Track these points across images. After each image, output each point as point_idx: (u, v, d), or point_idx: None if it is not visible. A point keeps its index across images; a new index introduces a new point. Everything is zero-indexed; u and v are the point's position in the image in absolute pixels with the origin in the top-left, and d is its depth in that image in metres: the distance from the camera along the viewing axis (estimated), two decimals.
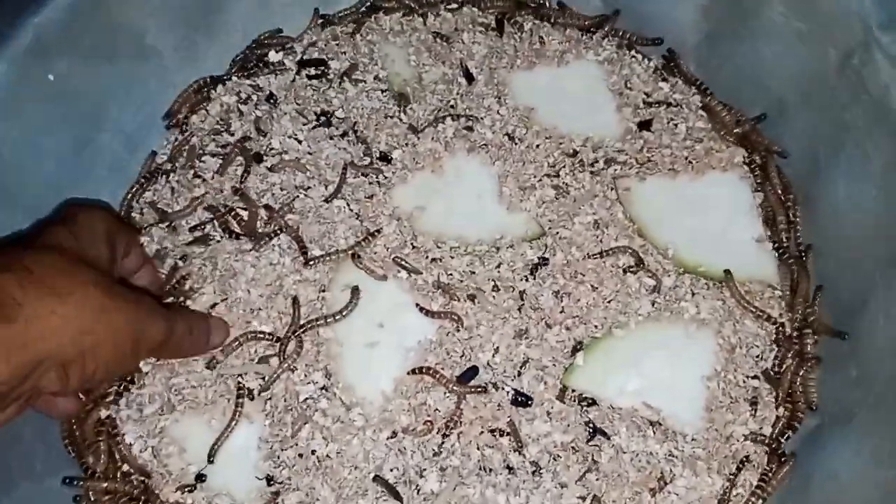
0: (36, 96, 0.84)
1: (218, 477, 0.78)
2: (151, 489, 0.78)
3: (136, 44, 0.92)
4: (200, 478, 0.77)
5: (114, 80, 0.91)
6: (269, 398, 0.80)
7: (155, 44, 0.93)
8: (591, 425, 0.78)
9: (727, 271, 0.83)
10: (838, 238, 0.83)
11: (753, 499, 0.76)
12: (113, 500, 0.78)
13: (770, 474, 0.77)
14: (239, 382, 0.79)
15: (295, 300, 0.82)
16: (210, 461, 0.77)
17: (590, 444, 0.77)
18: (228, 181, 0.89)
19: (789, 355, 0.82)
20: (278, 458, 0.77)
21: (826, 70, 0.83)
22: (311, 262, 0.83)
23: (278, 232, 0.85)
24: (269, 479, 0.77)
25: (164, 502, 0.77)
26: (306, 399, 0.79)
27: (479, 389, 0.78)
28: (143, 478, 0.78)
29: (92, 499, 0.78)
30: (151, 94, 0.95)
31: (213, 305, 0.83)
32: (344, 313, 0.81)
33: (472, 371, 0.79)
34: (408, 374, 0.79)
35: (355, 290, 0.82)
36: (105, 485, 0.77)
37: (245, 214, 0.87)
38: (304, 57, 0.96)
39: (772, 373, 0.81)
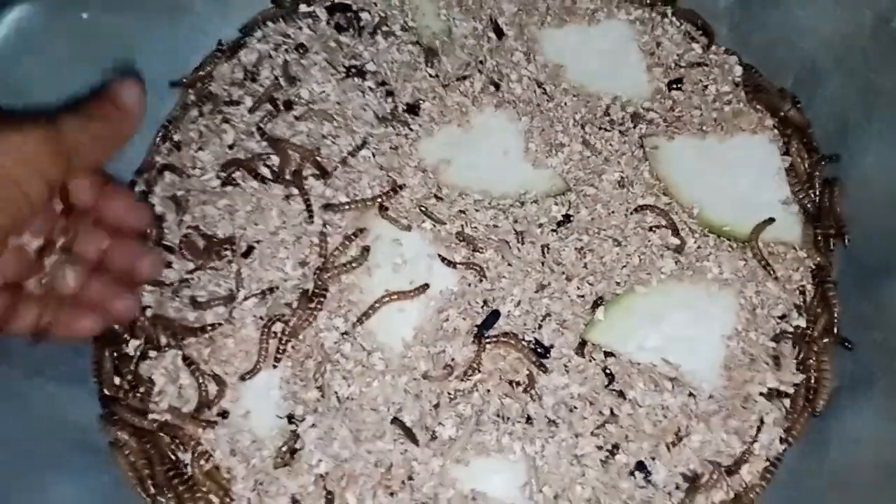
0: (67, 36, 0.84)
1: (239, 415, 0.79)
2: (174, 422, 0.79)
3: None
4: (223, 414, 0.78)
5: (144, 26, 0.91)
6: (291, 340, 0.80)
7: None
8: (607, 371, 0.78)
9: (771, 219, 0.84)
10: (867, 204, 0.83)
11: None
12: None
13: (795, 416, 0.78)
14: (266, 322, 0.80)
15: (322, 243, 0.83)
16: (243, 379, 0.79)
17: (608, 388, 0.77)
18: (256, 127, 0.90)
19: (813, 329, 0.82)
20: (299, 397, 0.78)
21: (861, 33, 0.83)
22: (333, 209, 0.84)
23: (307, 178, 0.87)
24: (290, 418, 0.78)
25: (187, 436, 0.78)
26: (331, 345, 0.80)
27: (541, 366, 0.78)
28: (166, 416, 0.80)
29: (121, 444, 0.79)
30: (179, 42, 0.95)
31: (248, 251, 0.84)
32: (355, 264, 0.82)
33: (494, 315, 0.80)
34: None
35: (365, 250, 0.83)
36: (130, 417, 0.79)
37: (276, 160, 0.88)
38: (336, 0, 0.96)
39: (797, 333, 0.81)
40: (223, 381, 0.79)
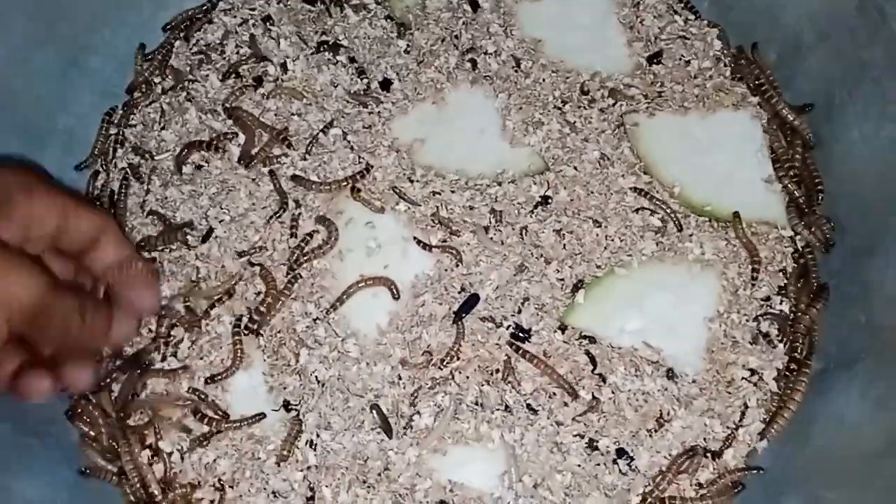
0: (26, 12, 0.81)
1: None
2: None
3: None
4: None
5: (104, 1, 0.88)
6: (264, 333, 0.78)
7: None
8: (589, 354, 0.76)
9: (736, 213, 0.81)
10: (851, 180, 0.81)
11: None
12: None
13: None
14: (236, 321, 0.77)
15: (294, 226, 0.80)
16: (210, 381, 0.76)
17: (590, 374, 0.75)
18: (220, 104, 0.87)
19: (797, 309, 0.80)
20: (284, 385, 0.76)
21: (846, 7, 0.80)
22: (300, 181, 0.82)
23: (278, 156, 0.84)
24: (287, 405, 0.75)
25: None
26: (303, 330, 0.77)
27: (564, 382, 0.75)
28: None
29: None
30: (145, 19, 0.92)
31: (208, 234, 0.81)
32: (324, 248, 0.79)
33: (473, 299, 0.77)
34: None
35: (323, 221, 0.80)
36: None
37: (241, 138, 0.85)
38: None
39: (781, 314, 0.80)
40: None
